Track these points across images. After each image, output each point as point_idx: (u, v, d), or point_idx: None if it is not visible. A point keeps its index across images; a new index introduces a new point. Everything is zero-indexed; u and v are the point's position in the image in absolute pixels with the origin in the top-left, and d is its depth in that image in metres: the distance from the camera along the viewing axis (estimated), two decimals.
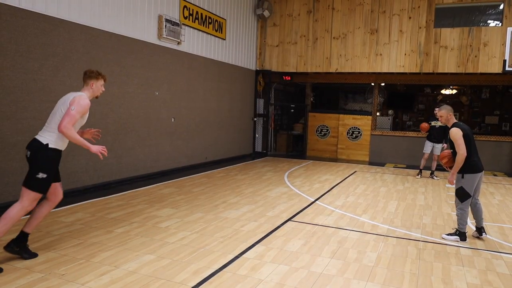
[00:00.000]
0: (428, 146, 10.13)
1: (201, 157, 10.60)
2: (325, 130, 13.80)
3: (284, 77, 13.87)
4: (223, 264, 4.17)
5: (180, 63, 9.50)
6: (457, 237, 5.23)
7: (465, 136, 5.13)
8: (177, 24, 9.14)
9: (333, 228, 5.59)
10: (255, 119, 13.52)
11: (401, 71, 12.17)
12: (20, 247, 4.04)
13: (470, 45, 11.44)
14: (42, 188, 3.98)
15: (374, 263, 4.37)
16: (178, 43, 9.30)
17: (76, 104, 3.97)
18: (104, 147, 4.21)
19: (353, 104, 17.02)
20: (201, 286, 3.63)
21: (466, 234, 5.25)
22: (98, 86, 4.28)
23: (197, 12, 9.96)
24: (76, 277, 3.72)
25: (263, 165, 11.38)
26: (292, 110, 15.26)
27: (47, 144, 3.95)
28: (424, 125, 10.13)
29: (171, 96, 9.24)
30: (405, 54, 12.05)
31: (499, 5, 11.39)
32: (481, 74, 11.67)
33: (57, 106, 4.09)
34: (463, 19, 12.31)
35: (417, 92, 16.66)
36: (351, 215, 6.33)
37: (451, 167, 5.34)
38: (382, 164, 12.53)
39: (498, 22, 11.57)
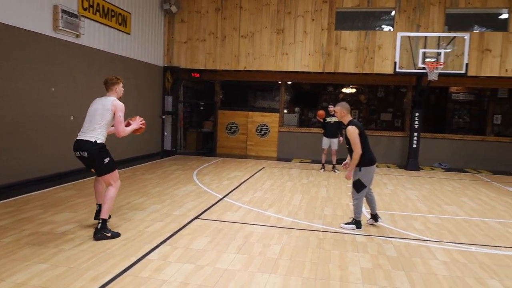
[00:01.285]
0: (325, 142, 10.80)
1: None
2: (235, 127, 13.95)
3: (193, 74, 13.73)
4: (125, 267, 4.00)
5: (80, 57, 8.91)
6: (354, 225, 5.61)
7: (360, 134, 5.49)
8: (76, 16, 8.55)
9: (240, 223, 5.66)
10: (164, 116, 13.19)
11: (306, 70, 12.73)
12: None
13: (367, 48, 12.34)
14: (113, 166, 4.96)
15: (277, 255, 4.51)
16: (77, 36, 8.72)
17: (119, 111, 4.88)
18: (139, 120, 5.28)
19: (262, 101, 17.41)
20: None
21: (361, 222, 5.66)
22: (120, 89, 5.10)
23: (98, 4, 9.42)
24: None
25: (171, 164, 11.16)
26: (202, 108, 15.16)
27: (95, 141, 4.80)
28: (321, 112, 10.80)
29: (69, 92, 8.64)
30: (309, 54, 12.61)
31: (391, 12, 12.44)
32: (376, 74, 12.64)
33: (94, 112, 4.89)
34: (361, 23, 13.23)
35: (321, 91, 17.56)
36: (257, 210, 6.47)
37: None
38: (289, 160, 13.01)
39: (390, 27, 12.62)
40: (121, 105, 4.91)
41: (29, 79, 7.51)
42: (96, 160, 4.82)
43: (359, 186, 5.57)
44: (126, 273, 3.86)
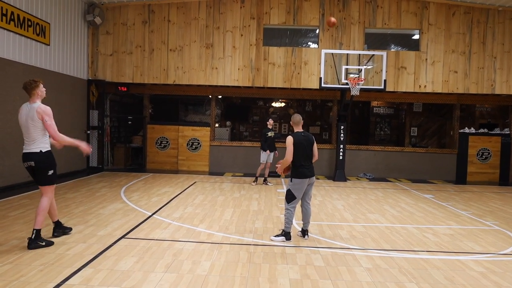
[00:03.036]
0: (264, 156, 10.73)
1: (22, 176, 9.31)
2: (165, 142, 13.66)
3: (119, 87, 13.29)
4: None
5: None
6: (283, 237, 5.68)
7: (295, 144, 5.63)
8: None
9: (169, 241, 5.51)
10: (89, 131, 12.58)
11: (236, 84, 12.86)
12: (61, 229, 5.53)
13: (294, 63, 12.76)
14: (54, 180, 5.15)
15: (207, 271, 4.43)
16: None
17: (45, 115, 4.91)
18: (88, 147, 5.33)
19: (193, 115, 17.29)
20: None
21: (291, 234, 5.75)
22: (42, 90, 5.07)
23: (12, 13, 8.81)
24: None
25: (98, 181, 10.62)
26: (130, 122, 14.68)
27: (40, 151, 4.98)
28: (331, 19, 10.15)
29: None
30: (238, 69, 12.77)
31: (316, 30, 13.01)
32: (303, 89, 13.11)
33: (25, 122, 4.95)
34: (288, 40, 13.68)
35: (251, 105, 17.82)
36: (188, 226, 6.34)
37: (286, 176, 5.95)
38: (221, 174, 12.96)
39: (315, 45, 13.18)
40: (46, 109, 4.95)
41: None
42: (41, 170, 5.00)
43: (289, 197, 5.68)
44: None
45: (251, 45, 12.76)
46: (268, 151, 10.71)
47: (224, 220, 6.83)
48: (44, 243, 5.02)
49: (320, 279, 4.32)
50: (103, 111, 13.05)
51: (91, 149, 5.33)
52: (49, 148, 5.10)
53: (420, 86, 12.70)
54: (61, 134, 5.04)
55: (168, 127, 13.73)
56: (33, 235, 4.96)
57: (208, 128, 13.67)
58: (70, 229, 5.71)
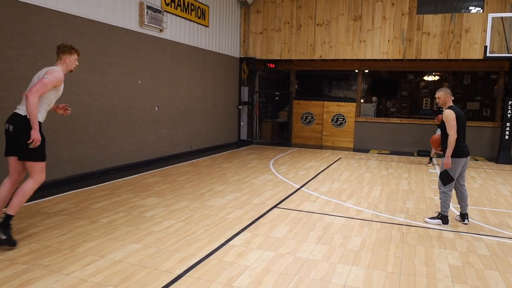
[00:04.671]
0: None
1: (186, 145, 10.54)
2: (310, 117, 13.84)
3: (268, 64, 13.83)
4: (210, 251, 4.17)
5: (163, 50, 9.36)
6: (440, 220, 5.32)
7: (457, 120, 5.18)
8: (159, 11, 8.98)
9: (319, 214, 5.64)
10: (240, 107, 13.46)
11: (385, 57, 12.23)
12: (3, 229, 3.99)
13: (452, 32, 11.54)
14: (41, 155, 4.16)
15: (358, 247, 4.43)
16: (160, 30, 9.16)
17: (49, 73, 4.06)
18: (39, 140, 4.04)
19: (337, 91, 17.07)
20: (187, 274, 3.64)
21: (448, 217, 5.35)
22: (71, 61, 4.33)
23: None
24: (61, 267, 3.68)
25: (248, 153, 11.37)
26: (277, 98, 15.23)
27: (25, 116, 4.03)
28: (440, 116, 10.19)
29: (154, 84, 9.13)
30: (388, 41, 12.09)
31: None
32: (463, 60, 11.80)
33: (33, 80, 4.20)
34: (445, 6, 12.37)
35: (400, 79, 16.78)
36: (336, 201, 6.39)
37: (441, 150, 5.41)
38: (366, 151, 12.64)
39: (479, 9, 11.67)
40: (56, 73, 4.10)
41: (118, 72, 8.05)
42: (19, 137, 4.02)
43: (445, 178, 5.27)
44: (211, 257, 4.03)
45: (403, 14, 11.93)
46: None
47: (373, 197, 6.69)
48: (4, 237, 3.92)
49: (485, 269, 3.95)
50: (253, 88, 13.78)
51: (37, 144, 4.00)
52: (40, 121, 4.14)
53: None
54: (36, 100, 3.95)
55: (313, 102, 13.85)
56: (2, 220, 3.98)
57: (354, 104, 13.38)
58: (14, 243, 4.01)
